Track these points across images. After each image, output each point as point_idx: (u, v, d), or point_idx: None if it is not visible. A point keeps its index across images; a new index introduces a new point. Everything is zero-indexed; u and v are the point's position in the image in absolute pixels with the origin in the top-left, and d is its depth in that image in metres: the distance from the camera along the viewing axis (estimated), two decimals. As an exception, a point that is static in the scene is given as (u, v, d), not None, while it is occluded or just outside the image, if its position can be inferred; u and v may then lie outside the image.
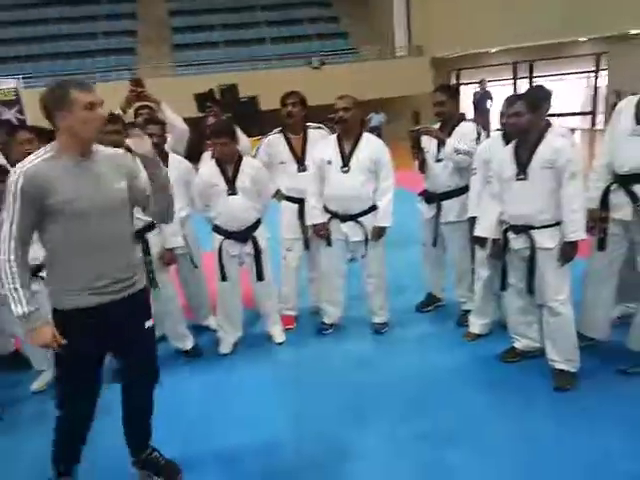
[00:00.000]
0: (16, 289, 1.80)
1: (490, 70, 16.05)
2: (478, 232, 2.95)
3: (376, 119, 14.57)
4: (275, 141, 3.56)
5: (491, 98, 11.69)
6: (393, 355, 3.25)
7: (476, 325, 3.30)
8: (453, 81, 17.30)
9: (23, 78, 7.33)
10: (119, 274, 1.96)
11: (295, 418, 2.68)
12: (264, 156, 3.59)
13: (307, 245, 3.62)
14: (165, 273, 3.23)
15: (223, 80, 12.31)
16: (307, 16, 18.04)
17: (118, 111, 3.54)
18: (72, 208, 1.81)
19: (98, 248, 1.89)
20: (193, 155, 3.87)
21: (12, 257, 1.79)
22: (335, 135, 3.34)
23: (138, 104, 3.66)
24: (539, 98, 2.73)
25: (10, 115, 7.40)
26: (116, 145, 2.93)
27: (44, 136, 3.61)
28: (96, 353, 2.01)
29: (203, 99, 4.23)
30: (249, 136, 3.88)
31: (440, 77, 15.81)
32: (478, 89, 11.88)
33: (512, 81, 16.79)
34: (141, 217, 3.01)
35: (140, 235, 3.05)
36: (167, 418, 2.61)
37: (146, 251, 3.09)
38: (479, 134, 3.27)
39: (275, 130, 3.64)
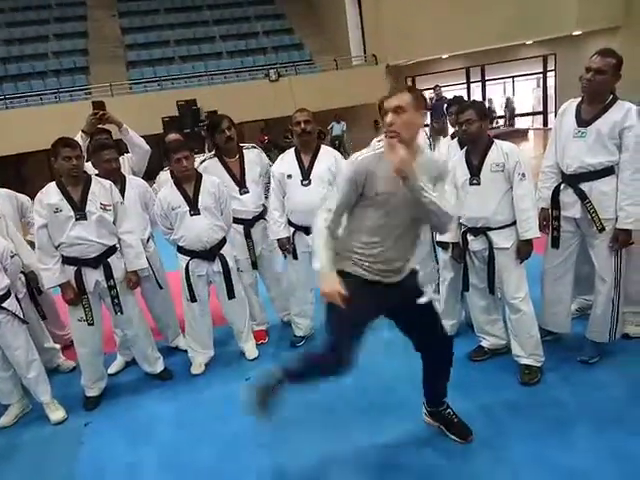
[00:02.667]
0: None
1: (444, 75, 16.49)
2: (439, 237, 3.02)
3: (337, 128, 14.74)
4: (212, 166, 3.48)
5: (446, 102, 11.98)
6: (365, 361, 3.23)
7: (445, 326, 3.37)
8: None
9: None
10: None
11: (275, 432, 2.66)
12: None
13: (255, 265, 3.61)
14: (130, 296, 3.18)
15: (182, 97, 12.26)
16: (262, 29, 18.11)
17: (80, 135, 3.49)
18: None
19: None
20: (151, 173, 3.85)
21: None
22: (293, 149, 3.37)
23: (97, 128, 3.60)
24: (485, 107, 2.86)
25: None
26: (73, 170, 2.91)
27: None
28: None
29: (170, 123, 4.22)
30: (208, 151, 3.89)
31: (397, 84, 16.12)
32: (433, 95, 12.16)
33: (465, 85, 17.29)
34: (103, 241, 2.98)
35: (101, 259, 3.00)
36: (139, 441, 2.58)
37: (108, 275, 3.04)
38: (430, 142, 3.38)
39: (208, 154, 3.62)
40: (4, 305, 2.87)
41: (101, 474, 2.51)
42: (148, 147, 3.73)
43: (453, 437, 2.44)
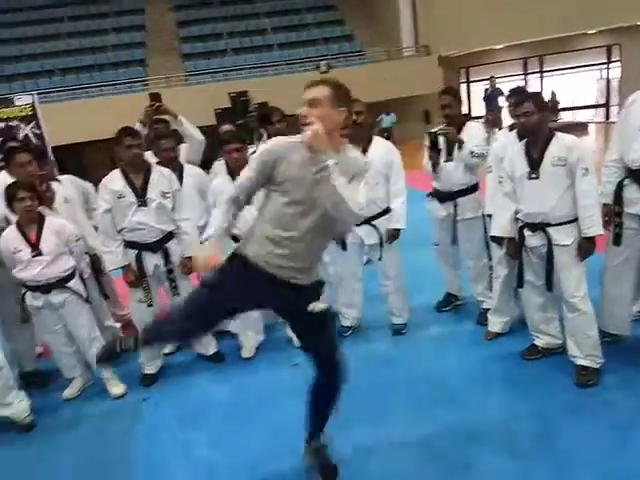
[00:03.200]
0: None
1: (499, 66, 15.98)
2: (494, 231, 2.96)
3: (387, 120, 14.59)
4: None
5: (502, 94, 11.62)
6: (413, 355, 3.27)
7: (496, 324, 3.31)
8: (462, 79, 17.26)
9: (38, 94, 7.49)
10: None
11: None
12: None
13: None
14: (187, 280, 3.29)
15: (234, 89, 12.49)
16: (313, 20, 18.12)
17: (138, 125, 3.64)
18: None
19: None
20: (206, 164, 3.95)
21: None
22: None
23: (154, 118, 3.74)
24: (544, 99, 2.77)
25: (27, 130, 7.55)
26: (134, 158, 3.04)
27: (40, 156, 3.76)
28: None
29: (221, 115, 4.34)
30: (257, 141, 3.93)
31: (449, 75, 15.79)
32: (488, 86, 11.82)
33: (522, 76, 16.68)
34: (162, 227, 3.11)
35: (160, 244, 3.13)
36: (193, 418, 2.68)
37: (167, 260, 3.16)
38: (488, 133, 3.30)
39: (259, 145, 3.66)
40: (69, 285, 3.04)
41: (156, 447, 2.64)
42: (202, 138, 3.83)
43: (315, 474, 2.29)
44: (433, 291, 3.89)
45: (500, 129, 3.68)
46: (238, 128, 3.98)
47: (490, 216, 3.14)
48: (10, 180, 3.23)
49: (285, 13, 18.35)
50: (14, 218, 3.02)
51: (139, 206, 3.06)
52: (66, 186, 3.67)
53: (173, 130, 3.78)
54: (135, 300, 3.22)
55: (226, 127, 4.03)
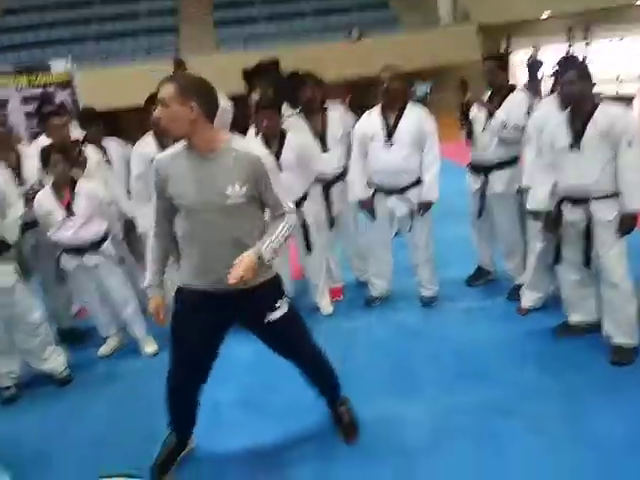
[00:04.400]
0: None
1: (543, 35, 15.28)
2: (531, 205, 2.86)
3: (421, 90, 14.21)
4: (295, 123, 3.50)
5: (541, 65, 11.15)
6: (442, 328, 3.24)
7: (529, 299, 3.23)
8: (502, 48, 16.60)
9: (72, 60, 7.59)
10: None
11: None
12: None
13: (332, 224, 3.62)
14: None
15: (265, 56, 12.32)
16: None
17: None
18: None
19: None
20: (239, 131, 3.92)
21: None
22: (378, 108, 3.29)
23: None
24: (588, 68, 2.61)
25: (64, 96, 7.64)
26: (156, 125, 3.02)
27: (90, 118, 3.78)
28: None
29: (251, 75, 4.25)
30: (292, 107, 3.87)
31: (488, 44, 15.20)
32: (532, 53, 11.32)
33: (568, 47, 15.93)
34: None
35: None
36: (221, 379, 2.74)
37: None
38: (530, 104, 3.15)
39: (292, 112, 3.61)
40: (102, 248, 3.10)
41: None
42: (229, 106, 3.78)
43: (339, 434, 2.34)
44: (465, 265, 3.82)
45: (539, 100, 3.52)
46: (273, 95, 3.90)
47: (526, 190, 3.03)
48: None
49: (319, -21, 17.88)
50: (49, 180, 3.07)
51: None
52: (109, 148, 3.69)
53: None
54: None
55: (256, 95, 3.98)
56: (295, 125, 3.47)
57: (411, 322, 3.35)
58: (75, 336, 3.51)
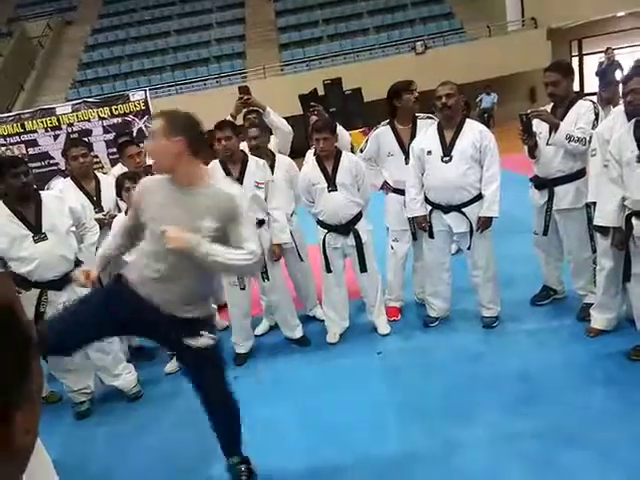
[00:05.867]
0: None
1: (619, 36, 14.40)
2: (598, 221, 2.72)
3: (487, 100, 13.86)
4: (383, 133, 3.56)
5: (620, 68, 10.49)
6: (504, 350, 3.13)
7: (599, 320, 3.05)
8: (574, 52, 15.83)
9: (150, 89, 8.15)
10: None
11: (400, 408, 2.70)
12: (372, 147, 3.61)
13: (415, 236, 3.60)
14: (275, 266, 3.43)
15: (328, 75, 12.57)
16: (410, 1, 17.58)
17: (229, 118, 3.82)
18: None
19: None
20: (300, 151, 4.02)
21: None
22: (436, 123, 3.27)
23: (246, 110, 3.90)
24: None
25: (141, 124, 8.21)
26: (223, 151, 3.18)
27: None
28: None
29: (307, 99, 4.39)
30: (354, 128, 3.95)
31: (559, 49, 14.56)
32: (603, 59, 10.71)
33: (645, 46, 14.91)
34: (255, 215, 3.24)
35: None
36: (280, 398, 2.80)
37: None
38: (597, 114, 2.99)
39: (384, 122, 3.64)
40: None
41: (244, 424, 2.77)
42: (289, 129, 3.92)
43: None
44: (529, 283, 3.67)
45: (615, 106, 3.33)
46: (327, 118, 3.98)
47: (594, 204, 2.87)
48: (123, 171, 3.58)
49: (382, -5, 18.01)
50: (124, 206, 3.32)
51: (234, 195, 3.22)
52: None
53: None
54: (229, 283, 3.41)
55: (315, 117, 4.08)
56: (383, 134, 3.54)
57: (471, 344, 3.25)
58: (144, 353, 3.73)
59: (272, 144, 3.87)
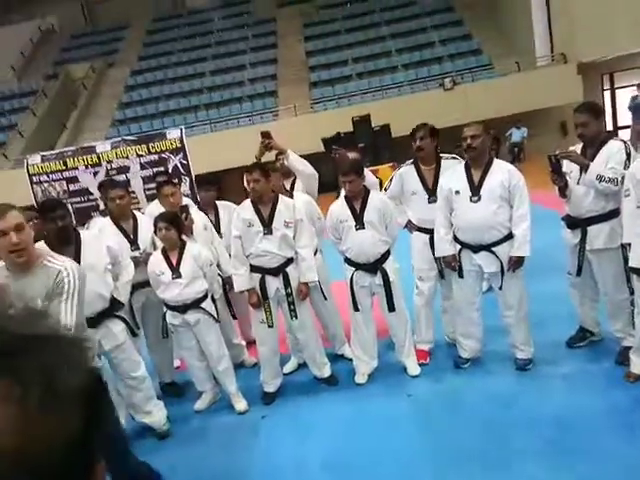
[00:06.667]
0: None
1: (652, 69, 14.25)
2: (633, 262, 2.66)
3: (517, 135, 13.80)
4: (407, 172, 3.60)
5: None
6: (538, 394, 3.03)
7: (638, 364, 2.94)
8: (607, 86, 15.70)
9: (185, 127, 8.48)
10: None
11: (433, 454, 2.63)
12: (396, 186, 3.65)
13: (442, 274, 3.58)
14: (304, 304, 3.45)
15: (357, 112, 12.81)
16: (438, 38, 17.92)
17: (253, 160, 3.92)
18: None
19: None
20: (330, 186, 4.01)
21: None
22: (463, 163, 3.30)
23: (277, 152, 4.01)
24: None
25: (176, 161, 8.51)
26: (252, 192, 3.27)
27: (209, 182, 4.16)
28: None
29: (329, 142, 4.49)
30: (382, 163, 3.97)
31: (590, 83, 14.48)
32: (636, 92, 10.59)
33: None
34: (284, 254, 3.30)
35: (280, 269, 3.33)
36: (307, 438, 2.77)
37: (287, 284, 3.34)
38: (628, 154, 2.96)
39: (408, 161, 3.69)
40: (203, 305, 3.36)
41: (272, 464, 2.78)
42: (312, 171, 3.96)
43: None
44: (565, 325, 3.57)
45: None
46: (362, 151, 4.04)
47: (629, 245, 2.81)
48: (158, 210, 3.70)
49: (410, 34, 18.42)
50: (160, 244, 3.42)
51: (265, 234, 3.29)
52: (223, 209, 4.05)
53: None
54: (258, 321, 3.44)
55: (350, 155, 4.17)
56: (406, 174, 3.58)
57: (503, 387, 3.17)
58: (175, 389, 3.76)
59: (299, 187, 3.94)
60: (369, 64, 17.59)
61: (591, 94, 14.32)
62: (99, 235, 3.28)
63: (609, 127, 14.71)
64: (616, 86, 15.47)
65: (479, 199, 3.15)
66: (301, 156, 4.03)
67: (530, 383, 3.17)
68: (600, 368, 3.18)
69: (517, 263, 3.15)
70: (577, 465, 2.38)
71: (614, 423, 2.65)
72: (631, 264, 2.69)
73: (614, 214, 3.06)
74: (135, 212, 3.82)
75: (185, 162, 8.55)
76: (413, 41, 18.07)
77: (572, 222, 3.23)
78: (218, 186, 4.26)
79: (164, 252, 3.35)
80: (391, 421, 2.98)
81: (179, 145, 8.37)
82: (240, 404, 3.41)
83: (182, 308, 3.32)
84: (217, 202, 4.16)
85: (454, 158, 3.59)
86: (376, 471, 2.56)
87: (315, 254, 3.66)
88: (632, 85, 11.35)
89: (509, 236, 3.16)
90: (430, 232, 3.49)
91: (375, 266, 3.36)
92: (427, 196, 3.50)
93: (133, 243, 3.60)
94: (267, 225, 3.29)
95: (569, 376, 3.16)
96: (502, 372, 3.32)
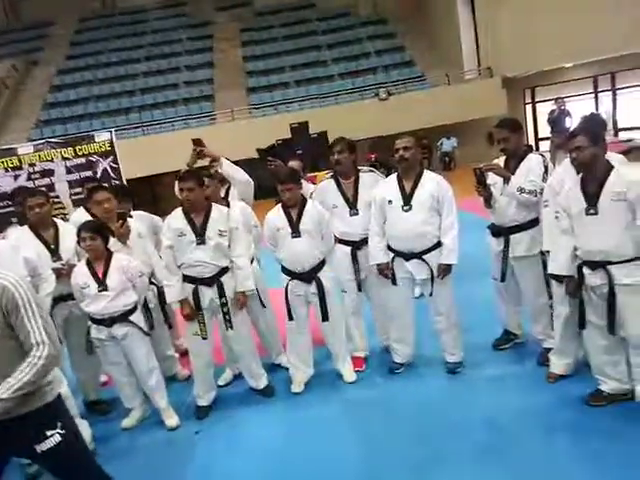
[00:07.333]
0: None
1: (568, 85, 15.35)
2: (552, 269, 2.82)
3: (447, 144, 14.42)
4: (326, 186, 3.62)
5: (570, 116, 11.12)
6: (468, 396, 3.14)
7: (558, 365, 3.12)
8: (528, 99, 16.74)
9: (115, 130, 8.09)
10: None
11: (365, 462, 2.65)
12: (317, 201, 3.61)
13: (359, 287, 3.62)
14: (240, 314, 3.38)
15: (295, 119, 12.84)
16: (373, 49, 18.39)
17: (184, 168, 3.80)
18: None
19: None
20: (271, 191, 3.93)
21: None
22: (395, 174, 3.38)
23: (210, 160, 3.90)
24: (599, 128, 2.64)
25: (105, 165, 8.14)
26: (185, 201, 3.17)
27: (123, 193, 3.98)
28: None
29: (265, 153, 4.46)
30: (319, 170, 3.99)
31: (513, 96, 15.39)
32: (555, 107, 11.34)
33: (593, 95, 15.92)
34: (218, 263, 3.22)
35: (215, 278, 3.24)
36: (243, 452, 2.70)
37: (221, 294, 3.26)
38: (546, 167, 3.16)
39: (327, 175, 3.72)
40: (131, 319, 3.21)
41: (206, 480, 2.70)
42: (246, 178, 3.87)
43: None
44: (491, 328, 3.73)
45: (567, 152, 3.51)
46: (291, 169, 3.98)
47: (548, 252, 2.99)
48: (85, 217, 3.49)
49: (346, 44, 18.76)
50: (85, 254, 3.23)
51: (198, 244, 3.19)
52: (140, 221, 3.84)
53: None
54: (191, 332, 3.33)
55: (291, 164, 4.15)
56: (326, 187, 3.59)
57: (435, 390, 3.26)
58: (101, 407, 3.57)
59: (234, 194, 3.88)
60: (307, 72, 17.75)
61: (514, 107, 15.24)
62: (16, 245, 3.06)
63: (531, 139, 15.67)
64: (537, 100, 16.52)
65: (410, 208, 3.24)
66: (239, 162, 3.96)
67: (460, 385, 3.28)
68: (524, 369, 3.34)
69: (446, 270, 3.26)
70: (503, 464, 2.48)
71: (537, 423, 2.77)
72: (550, 270, 2.85)
73: (534, 223, 3.24)
74: (56, 220, 3.59)
75: (115, 166, 8.18)
76: (349, 51, 18.43)
77: (496, 230, 3.39)
78: (131, 197, 4.09)
79: (89, 263, 3.17)
80: (327, 429, 2.98)
81: (109, 148, 8.00)
82: (171, 420, 3.28)
83: (108, 322, 3.16)
84: (133, 212, 3.96)
85: (371, 171, 3.67)
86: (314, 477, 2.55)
87: (251, 262, 3.60)
88: (551, 99, 12.13)
89: (438, 244, 3.27)
90: (351, 244, 3.55)
91: (310, 275, 3.36)
92: (348, 209, 3.53)
93: (54, 253, 3.38)
94: (200, 235, 3.19)
95: (496, 378, 3.30)
96: (434, 375, 3.42)
